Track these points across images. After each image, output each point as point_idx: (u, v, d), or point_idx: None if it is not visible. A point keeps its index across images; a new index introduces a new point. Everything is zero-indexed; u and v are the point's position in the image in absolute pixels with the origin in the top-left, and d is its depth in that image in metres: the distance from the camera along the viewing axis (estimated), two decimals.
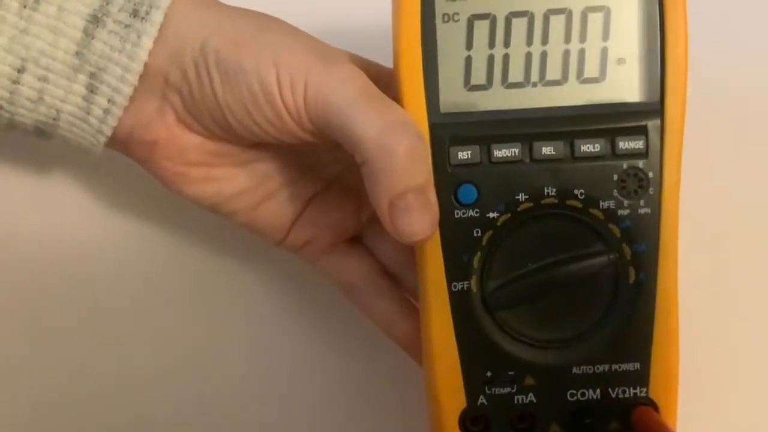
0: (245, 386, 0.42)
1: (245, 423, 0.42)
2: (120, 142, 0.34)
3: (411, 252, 0.34)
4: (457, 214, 0.32)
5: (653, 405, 0.33)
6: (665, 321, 0.32)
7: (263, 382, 0.42)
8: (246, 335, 0.42)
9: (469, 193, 0.32)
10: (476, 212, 0.32)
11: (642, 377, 0.32)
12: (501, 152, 0.32)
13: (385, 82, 0.32)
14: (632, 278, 0.32)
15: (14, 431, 0.41)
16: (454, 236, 0.32)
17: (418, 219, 0.30)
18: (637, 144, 0.32)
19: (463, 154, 0.32)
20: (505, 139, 0.32)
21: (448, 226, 0.32)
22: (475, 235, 0.32)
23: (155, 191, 0.36)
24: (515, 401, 0.33)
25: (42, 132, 0.34)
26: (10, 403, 0.41)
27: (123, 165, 0.37)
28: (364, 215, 0.37)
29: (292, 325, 0.42)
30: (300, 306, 0.42)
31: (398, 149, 0.30)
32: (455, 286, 0.32)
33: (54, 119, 0.33)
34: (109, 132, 0.33)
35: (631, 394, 0.33)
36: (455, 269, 0.32)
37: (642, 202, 0.32)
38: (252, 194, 0.35)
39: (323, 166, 0.37)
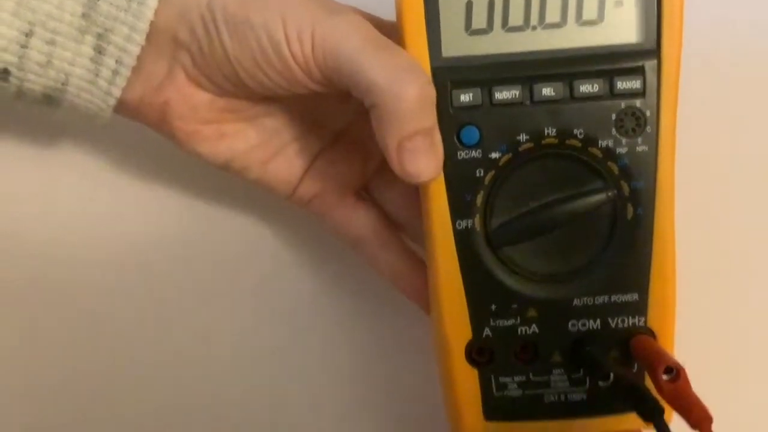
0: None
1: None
2: (132, 108, 0.35)
3: (416, 200, 0.35)
4: (460, 155, 0.33)
5: (651, 333, 0.34)
6: (662, 254, 0.34)
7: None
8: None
9: (471, 134, 0.33)
10: (479, 153, 0.33)
11: (640, 307, 0.34)
12: (502, 94, 0.33)
13: (388, 34, 0.33)
14: (630, 214, 0.34)
15: (14, 429, 0.42)
16: (458, 177, 0.33)
17: (425, 160, 0.32)
18: (635, 84, 0.33)
19: (465, 97, 0.33)
20: (506, 82, 0.33)
21: (451, 167, 0.33)
22: (478, 175, 0.33)
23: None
24: (519, 332, 0.34)
25: (50, 99, 0.34)
26: (9, 403, 0.42)
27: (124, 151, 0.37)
28: (370, 167, 0.38)
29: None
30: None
31: (408, 92, 0.31)
32: (459, 224, 0.34)
33: (63, 84, 0.33)
34: (117, 93, 0.34)
35: (630, 324, 0.34)
36: (459, 208, 0.34)
37: (640, 140, 0.33)
38: (262, 150, 0.36)
39: (330, 120, 0.38)
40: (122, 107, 0.35)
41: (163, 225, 0.42)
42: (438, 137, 0.32)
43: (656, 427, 0.30)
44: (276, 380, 0.43)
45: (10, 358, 0.42)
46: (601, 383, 0.31)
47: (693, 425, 0.29)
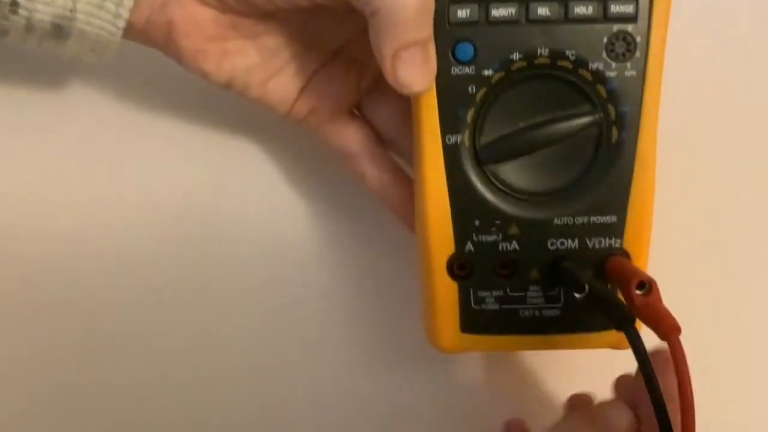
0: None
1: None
2: (138, 30, 0.35)
3: (407, 118, 0.36)
4: (454, 70, 0.34)
5: (626, 255, 0.35)
6: (642, 178, 0.35)
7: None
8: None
9: (466, 50, 0.33)
10: (472, 69, 0.34)
11: (618, 229, 0.35)
12: (498, 11, 0.33)
13: None
14: (615, 138, 0.34)
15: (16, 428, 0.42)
16: (450, 92, 0.34)
17: (419, 71, 0.32)
18: (627, 8, 0.33)
19: (462, 12, 0.33)
20: None
21: (444, 81, 0.34)
22: (470, 91, 0.34)
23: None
24: (500, 248, 0.35)
25: (60, 29, 0.34)
26: (9, 401, 0.42)
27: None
28: (363, 84, 0.39)
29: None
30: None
31: (409, 1, 0.31)
32: (449, 139, 0.34)
33: (71, 11, 0.33)
34: (126, 15, 0.34)
35: (607, 245, 0.35)
36: (450, 123, 0.34)
37: (629, 65, 0.34)
38: (262, 68, 0.37)
39: (327, 39, 0.38)
40: (130, 31, 0.35)
41: (162, 217, 0.42)
42: (433, 50, 0.33)
43: (627, 335, 0.31)
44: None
45: (10, 357, 0.42)
46: (576, 295, 0.32)
47: (662, 336, 0.30)
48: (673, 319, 0.31)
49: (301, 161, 0.43)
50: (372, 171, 0.39)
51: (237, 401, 0.43)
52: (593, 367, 0.38)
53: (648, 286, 0.32)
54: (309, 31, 0.37)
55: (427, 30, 0.32)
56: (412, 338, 0.39)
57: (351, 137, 0.39)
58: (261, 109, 0.38)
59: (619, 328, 0.31)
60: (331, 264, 0.43)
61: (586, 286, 0.32)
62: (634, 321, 0.31)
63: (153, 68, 0.38)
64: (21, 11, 0.33)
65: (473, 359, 0.43)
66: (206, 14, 0.35)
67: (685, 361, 0.30)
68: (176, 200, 0.42)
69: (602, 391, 0.38)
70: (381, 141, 0.39)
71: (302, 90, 0.38)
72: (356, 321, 0.43)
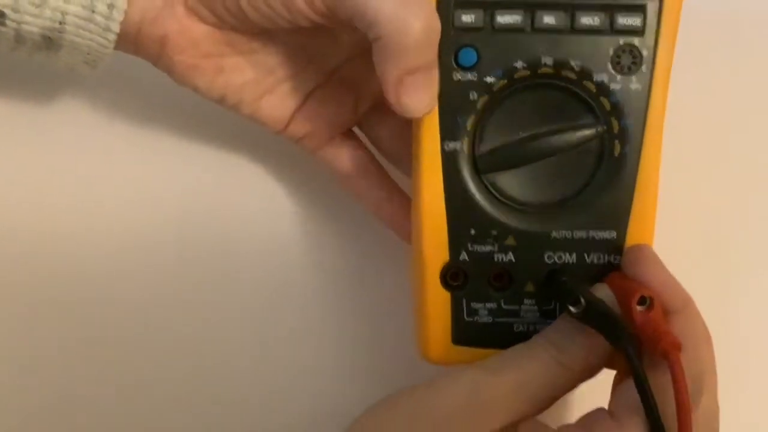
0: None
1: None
2: (129, 41, 0.35)
3: (407, 138, 0.35)
4: (456, 76, 0.33)
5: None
6: (644, 194, 0.34)
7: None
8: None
9: (469, 56, 0.33)
10: (474, 76, 0.33)
11: (617, 246, 0.34)
12: (504, 18, 0.33)
13: None
14: (617, 151, 0.34)
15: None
16: (451, 98, 0.33)
17: (423, 95, 0.32)
18: (635, 21, 0.33)
19: (467, 18, 0.33)
20: (509, 6, 0.33)
21: (446, 87, 0.33)
22: (472, 98, 0.33)
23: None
24: (495, 259, 0.34)
25: (50, 41, 0.34)
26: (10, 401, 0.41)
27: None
28: (362, 107, 0.39)
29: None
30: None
31: (414, 26, 0.30)
32: (448, 146, 0.34)
33: (60, 23, 0.33)
34: (116, 28, 0.34)
35: (606, 261, 0.34)
36: (449, 129, 0.34)
37: (634, 79, 0.33)
38: (256, 86, 0.36)
39: (324, 59, 0.37)
40: (121, 41, 0.35)
41: (163, 213, 0.42)
42: (437, 73, 0.32)
43: (626, 354, 0.30)
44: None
45: (9, 356, 0.41)
46: (572, 309, 0.31)
47: (662, 354, 0.30)
48: (674, 337, 0.30)
49: (297, 166, 0.42)
50: (368, 191, 0.38)
51: (234, 400, 0.42)
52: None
53: (649, 301, 0.31)
54: (306, 50, 0.37)
55: (432, 54, 0.32)
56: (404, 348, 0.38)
57: (346, 159, 0.39)
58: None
59: (618, 347, 0.30)
60: (326, 267, 0.43)
61: (582, 301, 0.32)
62: (633, 339, 0.30)
63: (151, 73, 0.38)
64: (9, 23, 0.33)
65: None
66: (202, 30, 0.35)
67: (684, 381, 0.29)
68: (172, 204, 0.42)
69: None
70: (376, 161, 0.39)
71: (297, 110, 0.38)
72: (350, 325, 0.43)
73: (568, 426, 0.32)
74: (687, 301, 0.32)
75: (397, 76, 0.31)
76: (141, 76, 0.39)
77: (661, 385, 0.30)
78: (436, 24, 0.31)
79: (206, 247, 0.42)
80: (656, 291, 0.32)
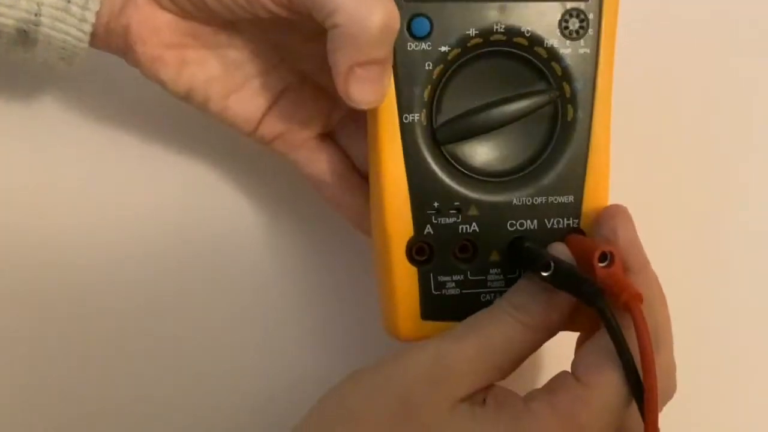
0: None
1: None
2: (99, 37, 0.34)
3: None
4: (410, 46, 0.33)
5: (584, 234, 0.35)
6: (597, 157, 0.35)
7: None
8: None
9: (422, 25, 0.33)
10: (428, 45, 0.33)
11: (575, 209, 0.35)
12: None
13: None
14: (570, 116, 0.34)
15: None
16: (407, 69, 0.33)
17: (372, 89, 0.31)
18: None
19: None
20: None
21: (401, 58, 0.33)
22: (427, 68, 0.33)
23: None
24: (459, 230, 0.34)
25: (26, 35, 0.33)
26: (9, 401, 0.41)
27: None
28: (335, 115, 0.38)
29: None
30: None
31: (374, 19, 0.30)
32: (406, 118, 0.33)
33: (36, 14, 0.32)
34: (92, 18, 0.33)
35: (565, 225, 0.35)
36: (407, 101, 0.33)
37: (582, 43, 0.34)
38: (223, 82, 0.36)
39: (295, 60, 0.37)
40: (92, 37, 0.34)
41: (159, 213, 0.41)
42: (390, 69, 0.32)
43: (598, 308, 0.30)
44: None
45: (9, 355, 0.40)
46: (543, 274, 0.32)
47: (623, 306, 0.30)
48: (635, 288, 0.31)
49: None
50: (346, 200, 0.38)
51: (224, 397, 0.42)
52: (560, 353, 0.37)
53: (610, 257, 0.32)
54: (276, 48, 0.36)
55: (387, 50, 0.31)
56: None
57: (322, 165, 0.38)
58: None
59: (589, 303, 0.31)
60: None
61: (552, 264, 0.32)
62: (602, 294, 0.30)
63: (131, 76, 0.37)
64: None
65: None
66: (163, 19, 0.34)
67: (647, 328, 0.30)
68: (153, 208, 0.41)
69: None
70: (354, 166, 0.38)
71: (268, 111, 0.37)
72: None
73: (535, 391, 0.32)
74: (645, 264, 0.33)
75: (349, 66, 0.31)
76: (121, 78, 0.38)
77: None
78: (396, 23, 0.31)
79: (187, 250, 0.42)
80: (619, 248, 0.32)
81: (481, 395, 0.32)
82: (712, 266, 0.46)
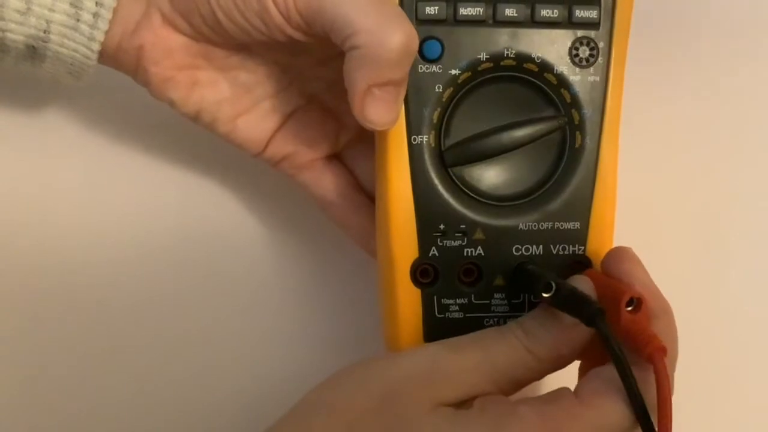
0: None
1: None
2: (109, 55, 0.34)
3: None
4: (421, 68, 0.33)
5: (588, 262, 0.35)
6: (604, 184, 0.35)
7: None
8: None
9: (433, 48, 0.33)
10: (439, 68, 0.33)
11: (581, 236, 0.35)
12: (466, 10, 0.33)
13: None
14: (578, 143, 0.34)
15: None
16: (417, 91, 0.33)
17: (388, 110, 0.31)
18: (591, 14, 0.34)
19: (430, 9, 0.33)
20: None
21: (411, 80, 0.33)
22: (437, 90, 0.33)
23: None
24: (464, 254, 0.34)
25: (34, 51, 0.33)
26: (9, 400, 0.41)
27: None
28: (343, 137, 0.38)
29: None
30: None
31: (394, 40, 0.30)
32: (415, 140, 0.33)
33: (45, 31, 0.33)
34: (101, 37, 0.33)
35: (570, 251, 0.35)
36: (416, 123, 0.33)
37: (591, 70, 0.34)
38: (233, 104, 0.36)
39: (305, 82, 0.37)
40: (102, 55, 0.34)
41: (158, 215, 0.42)
42: (404, 91, 0.32)
43: (598, 329, 0.30)
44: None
45: (9, 356, 0.41)
46: (544, 295, 0.31)
47: (647, 357, 0.29)
48: (659, 341, 0.30)
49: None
50: (354, 221, 0.38)
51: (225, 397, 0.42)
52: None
53: (637, 302, 0.31)
54: (286, 71, 0.36)
55: (405, 71, 0.31)
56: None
57: (330, 186, 0.38)
58: None
59: (589, 324, 0.30)
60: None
61: (553, 284, 0.31)
62: (604, 314, 0.30)
63: (135, 89, 0.37)
64: None
65: None
66: (178, 40, 0.34)
67: (669, 384, 0.29)
68: (156, 214, 0.42)
69: None
70: (361, 187, 0.38)
71: (276, 132, 0.37)
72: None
73: (528, 398, 0.31)
74: (667, 309, 0.32)
75: (367, 85, 0.31)
76: (125, 92, 0.38)
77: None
78: (415, 45, 0.31)
79: (187, 258, 0.42)
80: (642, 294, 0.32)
81: (471, 402, 0.31)
82: (713, 266, 0.46)
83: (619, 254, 0.33)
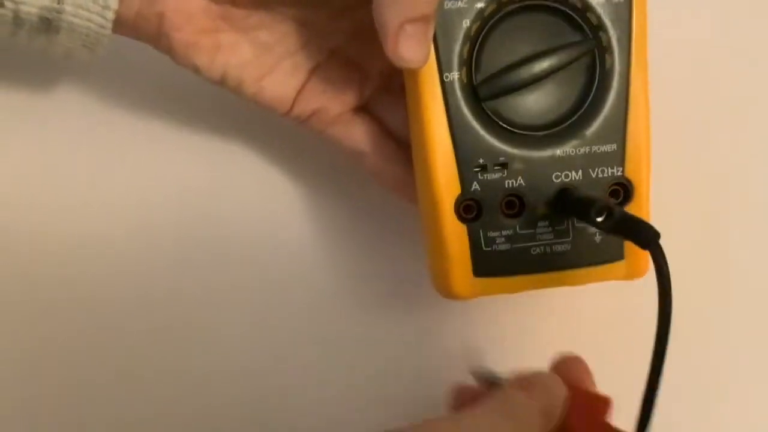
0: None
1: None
2: (129, 25, 0.34)
3: None
4: (447, 4, 0.33)
5: (629, 183, 0.35)
6: (637, 104, 0.35)
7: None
8: None
9: None
10: (465, 2, 0.33)
11: (618, 157, 0.35)
12: None
13: None
14: (608, 64, 0.35)
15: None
16: (445, 27, 0.33)
17: (421, 46, 0.31)
18: None
19: None
20: None
21: (439, 18, 0.33)
22: (464, 25, 0.33)
23: None
24: (506, 185, 0.34)
25: (49, 24, 0.33)
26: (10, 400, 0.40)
27: None
28: (367, 87, 0.38)
29: None
30: None
31: None
32: (447, 77, 0.34)
33: (59, 2, 0.32)
34: (115, 5, 0.33)
35: (609, 174, 0.35)
36: (446, 60, 0.33)
37: None
38: (257, 64, 0.36)
39: (324, 36, 0.37)
40: (120, 25, 0.34)
41: (158, 215, 0.41)
42: (433, 27, 0.32)
43: (652, 252, 0.30)
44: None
45: (9, 356, 0.40)
46: (598, 219, 0.32)
47: None
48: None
49: (298, 154, 0.42)
50: (387, 169, 0.38)
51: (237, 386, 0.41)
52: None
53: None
54: (305, 27, 0.36)
55: (435, 4, 0.31)
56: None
57: (360, 137, 0.38)
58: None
59: (644, 246, 0.31)
60: (335, 264, 0.43)
61: (605, 210, 0.32)
62: (658, 236, 0.31)
63: (148, 66, 0.37)
64: (7, 3, 0.32)
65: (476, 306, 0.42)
66: (198, 4, 0.34)
67: None
68: (173, 198, 0.41)
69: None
70: (392, 135, 0.38)
71: (301, 90, 0.37)
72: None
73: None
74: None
75: (399, 22, 0.31)
76: (142, 67, 0.38)
77: None
78: None
79: (207, 241, 0.41)
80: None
81: None
82: (713, 266, 0.46)
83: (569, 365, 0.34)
